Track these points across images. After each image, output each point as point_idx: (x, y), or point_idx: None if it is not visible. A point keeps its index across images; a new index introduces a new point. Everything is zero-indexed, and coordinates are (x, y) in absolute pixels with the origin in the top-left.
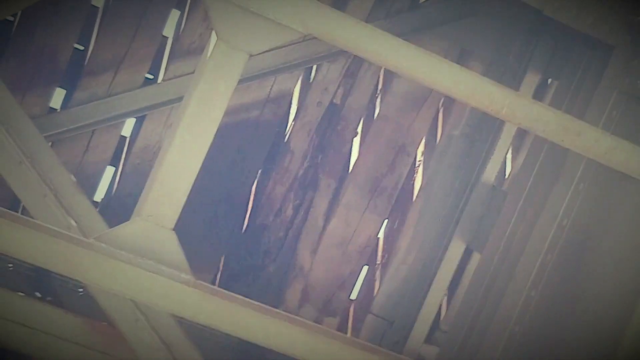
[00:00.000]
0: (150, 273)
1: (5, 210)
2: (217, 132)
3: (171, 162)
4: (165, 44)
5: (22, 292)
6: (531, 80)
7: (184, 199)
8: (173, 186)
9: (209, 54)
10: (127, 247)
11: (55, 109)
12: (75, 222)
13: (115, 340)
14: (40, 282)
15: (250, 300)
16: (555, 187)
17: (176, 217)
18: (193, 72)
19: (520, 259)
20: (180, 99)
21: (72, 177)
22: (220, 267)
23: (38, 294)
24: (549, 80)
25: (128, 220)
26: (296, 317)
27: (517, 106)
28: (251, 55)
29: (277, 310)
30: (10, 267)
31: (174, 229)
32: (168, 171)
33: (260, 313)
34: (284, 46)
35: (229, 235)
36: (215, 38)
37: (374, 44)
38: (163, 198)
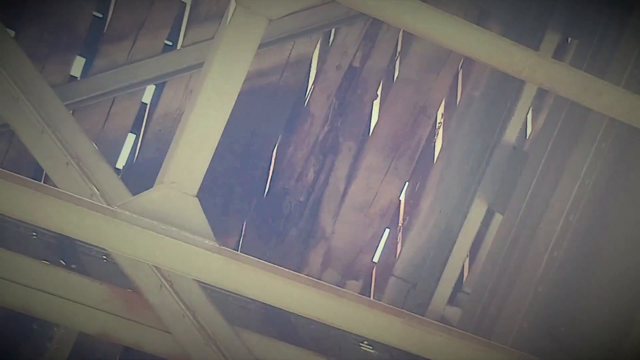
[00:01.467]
0: (174, 240)
1: (29, 179)
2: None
3: (193, 129)
4: (184, 10)
5: (46, 261)
6: (551, 40)
7: (207, 165)
8: (195, 153)
9: (228, 20)
10: (150, 214)
11: (76, 77)
12: (98, 189)
13: (139, 307)
14: (64, 250)
15: (273, 265)
16: (576, 148)
17: (199, 183)
18: (212, 38)
19: (543, 219)
20: (199, 65)
21: (94, 145)
22: (243, 232)
23: (62, 262)
24: (569, 40)
25: (150, 187)
26: (319, 280)
27: (537, 66)
28: (271, 20)
29: (300, 274)
30: (34, 235)
31: (196, 196)
32: (190, 138)
33: (284, 277)
34: (303, 10)
35: (251, 200)
36: (234, 3)
37: (392, 6)
38: (185, 165)
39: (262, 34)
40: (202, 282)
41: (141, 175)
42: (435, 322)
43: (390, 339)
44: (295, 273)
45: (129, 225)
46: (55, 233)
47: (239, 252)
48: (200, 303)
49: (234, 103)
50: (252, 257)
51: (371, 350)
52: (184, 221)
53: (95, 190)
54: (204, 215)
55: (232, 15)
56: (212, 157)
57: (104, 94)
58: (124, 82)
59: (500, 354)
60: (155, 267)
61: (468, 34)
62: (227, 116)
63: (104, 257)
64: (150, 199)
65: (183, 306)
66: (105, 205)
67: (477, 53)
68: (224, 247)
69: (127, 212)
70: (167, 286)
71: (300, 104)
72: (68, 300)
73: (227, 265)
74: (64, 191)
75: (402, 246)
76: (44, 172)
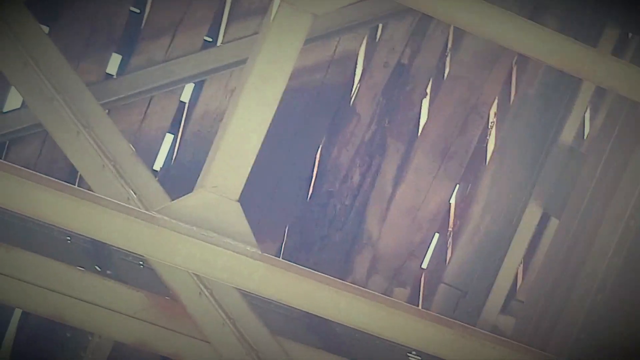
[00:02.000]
0: (215, 246)
1: (63, 182)
2: None
3: (235, 130)
4: (224, 4)
5: (81, 267)
6: (610, 36)
7: (249, 168)
8: (237, 155)
9: (272, 16)
10: (189, 219)
11: (112, 75)
12: (135, 193)
13: (178, 315)
14: (99, 256)
15: (317, 272)
16: (637, 149)
17: (241, 187)
18: (254, 34)
19: (601, 224)
20: (240, 62)
21: (131, 146)
22: (285, 237)
23: (97, 268)
24: (630, 35)
25: (188, 190)
26: (365, 289)
27: (596, 64)
28: (316, 16)
29: (345, 282)
30: (68, 240)
31: (238, 200)
32: (232, 139)
33: (328, 285)
34: (349, 4)
35: (294, 203)
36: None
37: (442, 0)
38: (227, 168)
39: (307, 30)
40: (243, 290)
41: (179, 178)
42: (487, 332)
43: (440, 350)
44: (340, 281)
45: (168, 231)
46: (91, 238)
47: (281, 259)
48: (241, 312)
49: (278, 102)
50: (295, 265)
51: None
52: (225, 227)
53: (132, 194)
54: (245, 221)
55: (276, 11)
56: (255, 160)
57: (141, 93)
58: (161, 80)
59: None
60: (195, 274)
61: (522, 30)
62: (271, 116)
63: (141, 263)
64: (190, 204)
65: (223, 315)
66: (142, 210)
67: (532, 50)
68: (266, 254)
69: (166, 217)
70: (207, 294)
71: (345, 103)
72: (103, 308)
73: (269, 272)
74: (99, 195)
75: (452, 252)
76: (79, 175)
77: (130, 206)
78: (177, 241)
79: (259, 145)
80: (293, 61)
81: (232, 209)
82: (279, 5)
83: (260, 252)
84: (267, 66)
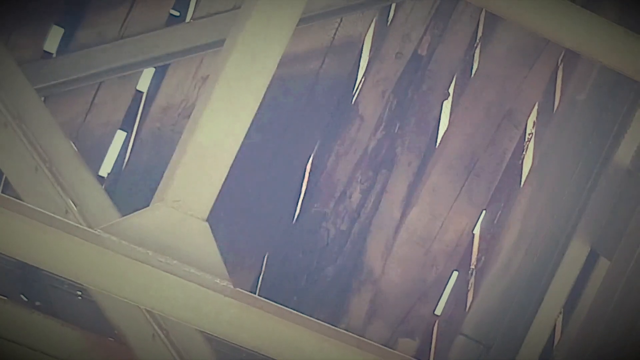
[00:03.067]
0: (175, 277)
1: None
2: None
3: (206, 130)
4: None
5: (2, 295)
6: None
7: (222, 180)
8: (208, 162)
9: None
10: (144, 241)
11: (51, 54)
12: (75, 205)
13: None
14: (27, 282)
15: (302, 315)
16: None
17: (210, 203)
18: (233, 9)
19: None
20: (215, 44)
21: (72, 144)
22: (264, 268)
23: (24, 297)
24: None
25: (143, 203)
26: (362, 338)
27: None
28: None
29: (337, 328)
30: None
31: (207, 220)
32: (201, 142)
33: (315, 332)
34: None
35: (276, 226)
36: None
37: None
38: (194, 178)
39: (302, 7)
40: (208, 334)
41: (132, 188)
42: None
43: None
44: (331, 327)
45: (115, 255)
46: (17, 260)
47: (257, 296)
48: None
49: (261, 98)
50: (274, 304)
51: None
52: (189, 253)
53: (72, 205)
54: (215, 246)
55: None
56: (229, 169)
57: (87, 77)
58: (113, 62)
59: None
60: (148, 311)
61: (572, 20)
62: (252, 114)
63: (79, 293)
64: (145, 222)
65: None
66: (84, 227)
67: (584, 45)
68: (239, 290)
69: (113, 237)
70: (162, 336)
71: (346, 101)
72: (29, 350)
73: (242, 312)
74: (29, 205)
75: (474, 295)
76: (3, 178)
77: (68, 221)
78: (126, 268)
79: (236, 151)
80: (284, 45)
81: (199, 230)
82: None
83: (232, 287)
84: (250, 50)
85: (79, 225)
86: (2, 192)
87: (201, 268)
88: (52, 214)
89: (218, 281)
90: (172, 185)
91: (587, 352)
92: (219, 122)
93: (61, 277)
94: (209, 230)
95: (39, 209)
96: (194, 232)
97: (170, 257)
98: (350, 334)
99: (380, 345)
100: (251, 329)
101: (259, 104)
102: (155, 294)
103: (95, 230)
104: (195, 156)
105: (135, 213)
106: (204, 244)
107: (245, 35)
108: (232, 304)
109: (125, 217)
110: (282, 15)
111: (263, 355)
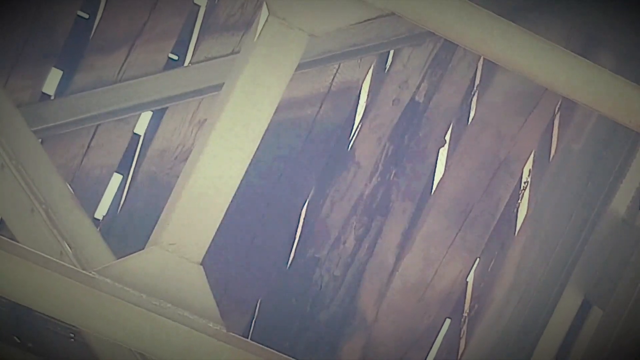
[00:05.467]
0: (168, 320)
1: None
2: None
3: (202, 174)
4: (196, 15)
5: None
6: None
7: (217, 224)
8: (203, 206)
9: (257, 34)
10: (138, 284)
11: (49, 96)
12: (70, 247)
13: None
14: (20, 323)
15: None
16: None
17: (205, 247)
18: (231, 54)
19: None
20: (213, 88)
21: (68, 186)
22: (256, 313)
23: (16, 339)
24: None
25: (138, 246)
26: None
27: None
28: (312, 36)
29: None
30: None
31: (201, 264)
32: (197, 186)
33: None
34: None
35: (269, 271)
36: (267, 12)
37: (470, 24)
38: (189, 222)
39: (301, 53)
40: None
41: (127, 231)
42: None
43: None
44: None
45: (109, 297)
46: (10, 300)
47: (250, 340)
48: None
49: (258, 142)
50: (267, 349)
51: None
52: (182, 296)
53: (67, 247)
54: (209, 290)
55: (263, 27)
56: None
57: (85, 120)
58: (111, 105)
59: None
60: (141, 354)
61: (570, 68)
62: (249, 159)
63: (72, 336)
64: (139, 265)
65: None
66: (78, 269)
67: (582, 94)
68: (232, 334)
69: (108, 280)
70: None
71: (342, 147)
72: None
73: (235, 357)
74: (24, 246)
75: (466, 343)
76: None
77: (63, 263)
78: (120, 310)
79: (232, 196)
80: (281, 89)
81: (193, 273)
82: (267, 21)
83: (225, 331)
84: (249, 95)
85: (73, 268)
86: None
87: (195, 312)
88: (47, 256)
89: (211, 325)
90: (168, 228)
91: None
92: (216, 166)
93: (55, 319)
94: (203, 274)
95: (34, 251)
96: (188, 276)
97: (164, 300)
98: None
99: None
100: None
101: (256, 149)
102: (148, 337)
103: (90, 273)
104: (191, 200)
105: (130, 256)
106: (197, 287)
107: (244, 80)
108: (224, 348)
109: (120, 259)
110: (280, 60)
111: None
